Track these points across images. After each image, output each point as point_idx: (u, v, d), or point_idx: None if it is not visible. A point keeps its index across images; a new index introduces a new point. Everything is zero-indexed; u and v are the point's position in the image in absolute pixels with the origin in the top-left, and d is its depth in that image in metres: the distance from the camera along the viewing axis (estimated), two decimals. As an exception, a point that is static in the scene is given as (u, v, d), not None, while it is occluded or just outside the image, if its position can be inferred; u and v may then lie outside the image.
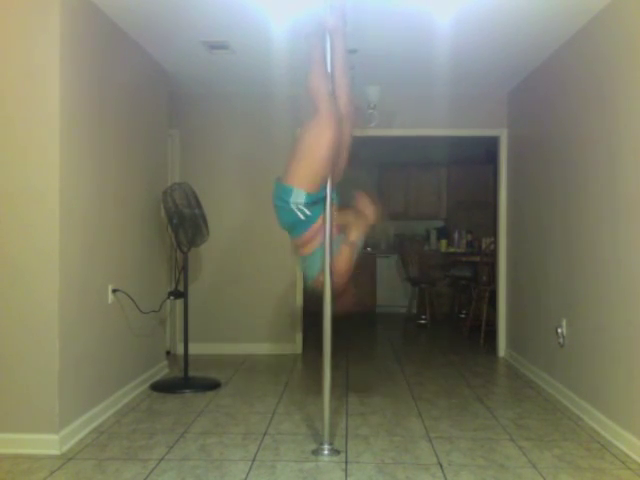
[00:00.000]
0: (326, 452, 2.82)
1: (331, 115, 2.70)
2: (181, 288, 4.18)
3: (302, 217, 2.76)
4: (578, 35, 3.61)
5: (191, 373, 4.24)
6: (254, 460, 2.75)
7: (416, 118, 5.24)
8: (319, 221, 2.82)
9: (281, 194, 2.77)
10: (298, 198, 2.73)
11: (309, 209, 2.76)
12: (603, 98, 3.25)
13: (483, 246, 6.37)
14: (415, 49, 4.00)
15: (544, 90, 4.25)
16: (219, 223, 5.02)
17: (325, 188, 2.79)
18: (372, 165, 8.33)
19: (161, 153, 4.45)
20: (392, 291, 8.12)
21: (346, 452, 2.86)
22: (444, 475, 2.59)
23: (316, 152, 2.71)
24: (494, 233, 5.66)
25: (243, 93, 5.17)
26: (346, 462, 2.74)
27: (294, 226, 2.84)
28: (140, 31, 3.70)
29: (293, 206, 2.74)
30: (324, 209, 2.80)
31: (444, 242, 7.95)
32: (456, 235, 8.01)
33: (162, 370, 4.46)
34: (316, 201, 2.78)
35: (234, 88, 5.07)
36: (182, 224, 4.01)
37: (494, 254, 5.57)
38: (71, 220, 2.97)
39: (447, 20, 3.45)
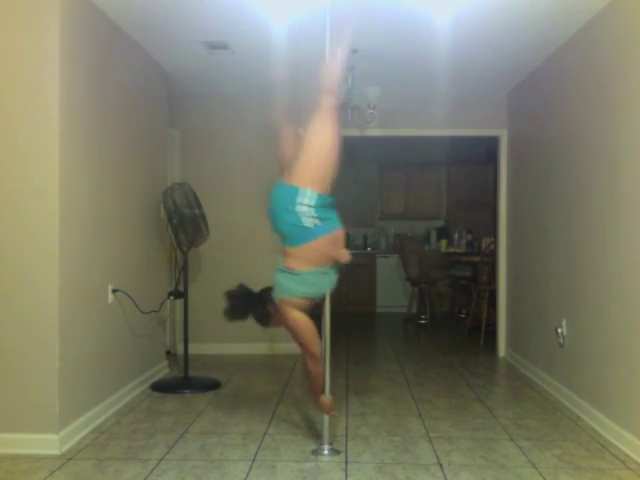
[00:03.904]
0: (326, 452, 2.83)
1: (335, 112, 2.64)
2: (181, 288, 4.18)
3: (309, 225, 2.56)
4: (578, 35, 3.61)
5: (191, 373, 4.24)
6: (254, 460, 2.76)
7: (416, 118, 5.24)
8: (328, 237, 2.61)
9: (286, 196, 2.58)
10: (305, 199, 2.54)
11: (319, 217, 2.57)
12: (603, 98, 3.25)
13: (483, 246, 6.36)
14: (415, 49, 4.00)
15: (544, 90, 4.25)
16: (219, 223, 5.01)
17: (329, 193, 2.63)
18: (372, 165, 8.35)
19: (161, 153, 4.45)
20: (392, 291, 8.12)
21: (346, 452, 2.86)
22: (444, 475, 2.59)
23: (325, 150, 2.60)
24: (494, 233, 5.66)
25: (243, 93, 5.17)
26: (346, 462, 2.74)
27: (295, 233, 2.60)
28: (140, 31, 3.70)
29: (299, 208, 2.55)
30: (336, 221, 2.65)
31: (444, 242, 7.95)
32: (456, 235, 8.01)
33: (162, 370, 4.46)
34: (324, 204, 2.61)
35: (234, 88, 5.06)
36: (182, 224, 4.01)
37: (494, 254, 5.57)
38: (71, 220, 2.97)
39: (447, 20, 3.45)
